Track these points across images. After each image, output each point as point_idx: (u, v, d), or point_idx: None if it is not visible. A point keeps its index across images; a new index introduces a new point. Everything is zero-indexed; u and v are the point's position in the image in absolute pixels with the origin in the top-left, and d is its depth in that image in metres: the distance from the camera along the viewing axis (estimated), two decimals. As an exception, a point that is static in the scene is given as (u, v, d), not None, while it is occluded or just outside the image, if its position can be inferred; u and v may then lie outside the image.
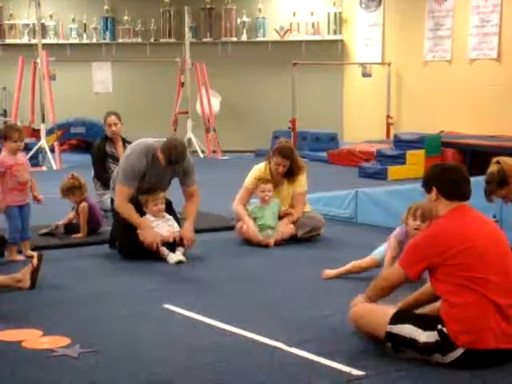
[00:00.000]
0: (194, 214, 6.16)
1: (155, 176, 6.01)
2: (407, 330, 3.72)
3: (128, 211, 5.94)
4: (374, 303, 4.02)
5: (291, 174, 6.69)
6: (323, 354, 3.84)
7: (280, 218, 6.63)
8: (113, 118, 7.91)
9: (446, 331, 3.63)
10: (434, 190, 3.89)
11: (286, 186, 6.72)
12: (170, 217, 6.11)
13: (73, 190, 6.74)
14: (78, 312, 4.65)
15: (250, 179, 6.75)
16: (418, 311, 3.97)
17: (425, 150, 11.18)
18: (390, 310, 3.88)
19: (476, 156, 10.93)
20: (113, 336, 4.18)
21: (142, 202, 6.01)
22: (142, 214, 6.00)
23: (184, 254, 5.91)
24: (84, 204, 6.75)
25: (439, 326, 3.65)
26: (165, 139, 6.10)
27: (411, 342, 3.70)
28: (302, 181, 6.74)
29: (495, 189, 4.99)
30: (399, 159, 11.14)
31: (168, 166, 5.89)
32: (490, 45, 12.55)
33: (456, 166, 4.01)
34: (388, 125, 14.31)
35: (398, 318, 3.79)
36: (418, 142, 11.31)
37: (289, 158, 6.60)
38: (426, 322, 3.72)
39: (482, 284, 3.63)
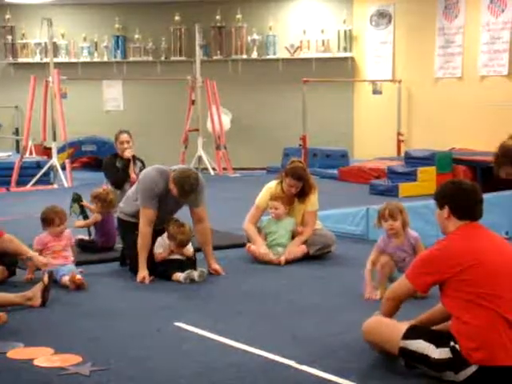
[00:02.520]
0: (211, 248, 6.17)
1: (170, 198, 6.00)
2: (420, 345, 3.70)
3: (142, 244, 5.90)
4: (388, 317, 4.00)
5: (303, 193, 6.66)
6: (335, 371, 3.82)
7: (293, 236, 6.63)
8: (125, 136, 7.93)
9: (458, 348, 3.60)
10: (447, 208, 3.88)
11: (297, 204, 6.70)
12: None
13: (96, 199, 6.89)
14: (90, 330, 4.65)
15: (261, 198, 6.74)
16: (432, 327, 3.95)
17: (436, 167, 11.15)
18: (403, 324, 3.86)
19: (487, 172, 10.89)
20: (124, 354, 4.18)
21: (168, 232, 5.98)
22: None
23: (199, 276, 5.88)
24: (97, 215, 6.88)
25: (452, 343, 3.62)
26: (177, 168, 6.11)
27: (424, 358, 3.68)
28: (313, 200, 6.71)
29: (506, 163, 4.72)
30: (410, 176, 11.11)
31: (180, 198, 5.91)
32: (500, 62, 12.55)
33: (471, 187, 3.95)
34: (399, 142, 14.30)
35: (411, 333, 3.77)
36: (429, 159, 11.29)
37: (301, 179, 6.57)
38: (439, 339, 3.69)
39: (492, 300, 3.60)
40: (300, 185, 6.59)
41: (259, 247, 6.48)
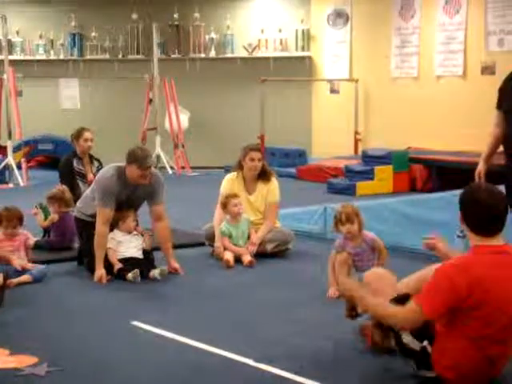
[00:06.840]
0: (171, 246, 6.17)
1: (127, 198, 6.02)
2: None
3: (98, 243, 5.87)
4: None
5: (264, 174, 6.85)
6: (292, 370, 3.83)
7: (249, 236, 6.65)
8: (89, 134, 7.90)
9: (429, 351, 3.53)
10: (460, 214, 3.55)
11: (260, 186, 6.82)
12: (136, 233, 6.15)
13: (53, 200, 6.88)
14: (46, 330, 4.61)
15: (224, 188, 6.81)
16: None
17: (393, 166, 11.26)
18: (402, 289, 3.81)
19: (442, 171, 11.03)
20: (80, 354, 4.15)
21: (113, 221, 6.00)
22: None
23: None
24: (54, 215, 6.87)
25: (425, 343, 3.54)
26: None
27: (397, 334, 3.62)
28: (275, 189, 6.86)
29: None
30: (367, 175, 11.19)
31: (143, 171, 5.87)
32: (455, 62, 12.70)
33: (489, 198, 3.46)
34: (356, 141, 14.38)
35: (398, 302, 3.60)
36: (385, 158, 11.38)
37: (260, 150, 7.01)
38: (418, 329, 3.53)
39: (481, 343, 3.45)
40: (260, 156, 6.85)
41: (218, 248, 6.49)
